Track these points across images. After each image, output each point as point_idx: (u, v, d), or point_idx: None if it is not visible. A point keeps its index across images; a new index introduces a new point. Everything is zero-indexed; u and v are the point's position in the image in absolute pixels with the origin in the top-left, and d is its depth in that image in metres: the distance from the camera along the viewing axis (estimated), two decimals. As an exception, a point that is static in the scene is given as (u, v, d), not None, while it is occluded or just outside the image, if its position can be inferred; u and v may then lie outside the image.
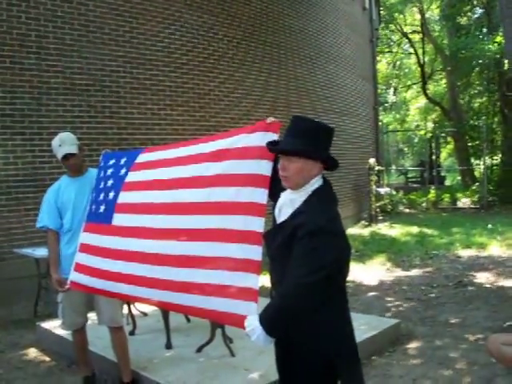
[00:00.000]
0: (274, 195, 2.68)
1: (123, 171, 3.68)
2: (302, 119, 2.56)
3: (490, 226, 13.33)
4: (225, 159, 2.89)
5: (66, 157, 4.19)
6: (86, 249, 3.77)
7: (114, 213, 3.58)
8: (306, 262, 2.28)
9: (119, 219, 3.53)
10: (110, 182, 3.75)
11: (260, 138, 2.74)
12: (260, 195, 2.71)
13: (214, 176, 2.91)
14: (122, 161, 3.78)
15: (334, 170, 2.54)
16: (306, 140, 2.41)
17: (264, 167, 2.71)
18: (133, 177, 3.59)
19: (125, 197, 3.56)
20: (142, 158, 3.67)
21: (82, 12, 8.28)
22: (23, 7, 7.66)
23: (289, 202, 2.51)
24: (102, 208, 3.71)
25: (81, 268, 3.78)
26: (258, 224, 2.66)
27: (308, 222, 2.31)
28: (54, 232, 4.28)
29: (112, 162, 3.86)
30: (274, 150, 2.56)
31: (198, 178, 3.00)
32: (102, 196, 3.76)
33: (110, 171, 3.81)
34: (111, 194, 3.67)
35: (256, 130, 2.81)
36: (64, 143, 4.19)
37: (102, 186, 3.82)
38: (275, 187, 2.63)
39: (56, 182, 4.40)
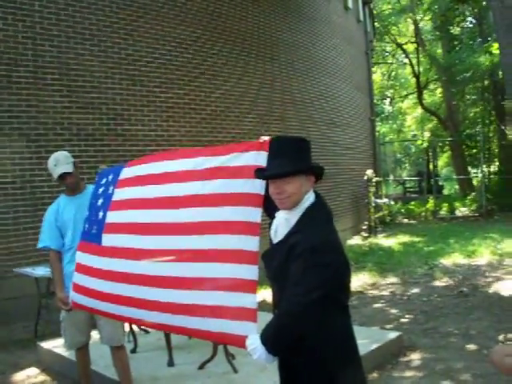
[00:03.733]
0: (269, 213, 2.68)
1: (110, 189, 3.63)
2: (282, 139, 2.58)
3: (490, 234, 13.34)
4: (217, 178, 2.86)
5: (62, 176, 4.18)
6: (81, 269, 3.74)
7: (102, 233, 3.54)
8: (302, 281, 2.27)
9: (108, 239, 3.48)
10: (100, 201, 3.70)
11: (253, 157, 2.72)
12: (254, 214, 2.69)
13: (206, 195, 2.88)
14: (110, 178, 3.72)
15: (321, 179, 2.53)
16: (294, 157, 2.41)
17: (257, 186, 2.67)
18: (119, 195, 3.52)
19: (113, 216, 3.51)
20: (126, 173, 3.59)
21: (78, 30, 8.32)
22: (19, 27, 7.70)
23: (284, 222, 2.50)
24: (94, 227, 3.67)
25: (77, 288, 3.76)
26: (252, 243, 2.64)
27: (303, 241, 2.30)
28: (55, 252, 4.27)
29: (104, 180, 3.80)
30: (271, 176, 2.45)
31: (190, 196, 2.96)
32: (93, 215, 3.72)
33: (101, 190, 3.77)
34: (100, 214, 3.62)
35: (249, 149, 2.78)
36: (59, 163, 4.18)
37: (94, 204, 3.78)
38: (270, 205, 2.62)
39: (54, 202, 4.38)
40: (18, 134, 7.68)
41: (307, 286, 2.26)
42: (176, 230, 2.99)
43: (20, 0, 7.72)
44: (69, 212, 4.23)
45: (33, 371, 5.74)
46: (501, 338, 5.88)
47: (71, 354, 5.30)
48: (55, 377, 5.50)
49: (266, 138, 2.75)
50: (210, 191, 2.87)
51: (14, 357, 6.23)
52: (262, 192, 2.67)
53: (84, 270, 3.69)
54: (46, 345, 5.95)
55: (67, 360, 5.35)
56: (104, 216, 3.57)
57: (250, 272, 2.62)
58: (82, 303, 3.73)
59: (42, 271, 6.77)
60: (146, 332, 6.05)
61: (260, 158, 2.67)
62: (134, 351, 5.42)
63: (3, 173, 7.52)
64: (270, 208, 2.64)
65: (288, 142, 2.52)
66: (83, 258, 3.73)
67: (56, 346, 5.81)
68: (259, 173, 2.55)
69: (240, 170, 2.74)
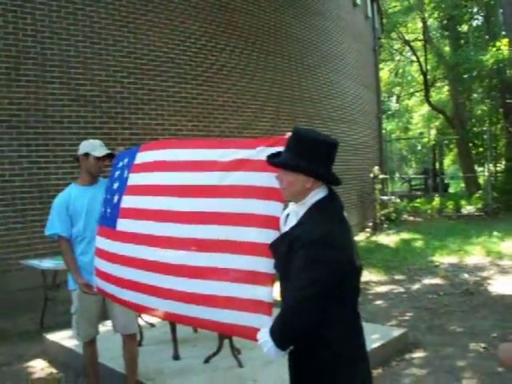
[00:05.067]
0: None
1: (125, 173, 3.62)
2: (299, 132, 2.50)
3: (495, 233, 13.32)
4: (241, 170, 2.86)
5: (103, 158, 4.20)
6: (99, 253, 3.75)
7: (117, 218, 3.52)
8: (299, 276, 2.27)
9: (123, 224, 3.46)
10: (116, 185, 3.69)
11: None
12: (275, 208, 2.69)
13: (228, 186, 2.88)
14: (125, 161, 3.72)
15: (333, 184, 2.50)
16: (299, 153, 2.39)
17: None
18: (135, 179, 3.51)
19: (129, 201, 3.49)
20: (141, 157, 3.57)
21: (86, 24, 8.33)
22: (28, 20, 7.72)
23: (294, 214, 2.51)
24: (109, 212, 3.67)
25: (98, 273, 3.77)
26: (271, 237, 2.64)
27: (303, 235, 2.30)
28: (66, 239, 4.20)
29: (120, 163, 3.79)
30: (269, 162, 2.55)
31: (211, 186, 2.95)
32: (109, 199, 3.72)
33: (117, 173, 3.75)
34: (116, 198, 3.61)
35: (275, 144, 2.77)
36: (103, 145, 4.28)
37: (110, 187, 3.78)
38: None
39: (65, 190, 4.32)
40: (25, 126, 7.70)
41: (303, 281, 2.26)
42: (194, 218, 2.97)
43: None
44: (81, 202, 4.18)
45: (39, 363, 5.77)
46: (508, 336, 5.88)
47: (77, 346, 5.33)
48: (61, 368, 5.51)
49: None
50: (233, 183, 2.87)
51: (20, 348, 6.26)
52: None
53: (102, 254, 3.69)
54: (52, 337, 5.97)
55: (73, 352, 5.38)
56: (119, 200, 3.55)
57: (268, 265, 2.63)
58: (103, 288, 3.74)
59: (48, 263, 6.80)
60: (152, 325, 6.07)
61: None
62: (139, 344, 5.40)
63: (11, 165, 7.54)
64: None
65: (302, 137, 2.46)
66: (101, 242, 3.73)
67: (62, 337, 5.84)
68: (269, 156, 2.57)
69: (265, 164, 2.72)
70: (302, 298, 2.26)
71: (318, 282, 2.24)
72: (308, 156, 2.39)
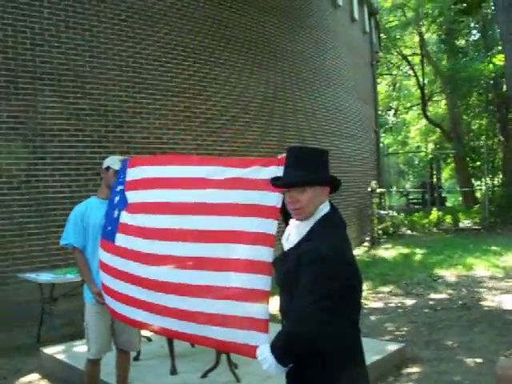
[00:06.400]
0: (287, 220, 2.69)
1: (124, 190, 3.67)
2: (299, 148, 2.60)
3: (493, 247, 13.32)
4: (235, 188, 2.89)
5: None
6: (102, 267, 3.75)
7: (116, 232, 3.56)
8: (308, 291, 2.27)
9: (121, 239, 3.50)
10: (116, 199, 3.74)
11: (273, 172, 2.75)
12: (269, 226, 2.72)
13: (223, 204, 2.91)
14: (122, 177, 3.77)
15: (337, 191, 2.54)
16: (310, 167, 2.42)
17: (274, 199, 2.72)
18: (132, 197, 3.55)
19: (126, 217, 3.52)
20: (133, 174, 3.63)
21: (85, 38, 8.36)
22: (28, 34, 7.75)
23: (296, 230, 2.51)
24: (109, 225, 3.70)
25: (102, 286, 3.77)
26: (266, 254, 2.66)
27: (311, 250, 2.31)
28: (79, 250, 4.23)
29: (121, 178, 3.84)
30: (285, 185, 2.50)
31: (206, 204, 2.98)
32: (110, 213, 3.75)
33: (119, 188, 3.79)
34: (116, 212, 3.65)
35: (269, 164, 2.82)
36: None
37: (112, 202, 3.81)
38: (287, 212, 2.63)
39: (83, 202, 4.37)
40: (22, 139, 7.69)
41: (315, 295, 2.26)
42: (189, 236, 3.00)
43: (29, 7, 7.78)
44: (96, 215, 4.18)
45: (34, 377, 5.73)
46: (509, 353, 5.86)
47: (73, 361, 5.32)
48: (57, 383, 5.49)
49: (284, 155, 2.77)
50: (227, 201, 2.90)
51: (16, 362, 6.23)
52: (279, 205, 2.71)
53: (104, 267, 3.71)
54: (49, 350, 5.94)
55: (70, 366, 5.35)
56: (119, 215, 3.59)
57: (263, 282, 2.64)
58: (107, 303, 3.73)
59: (45, 277, 6.79)
60: (149, 340, 6.05)
61: (279, 173, 2.70)
62: (136, 359, 5.39)
63: (7, 178, 7.54)
64: (287, 215, 2.65)
65: (305, 151, 2.53)
66: (103, 255, 3.75)
67: (59, 351, 5.82)
68: (275, 181, 2.56)
69: (259, 183, 2.76)
70: (313, 311, 2.26)
71: (328, 295, 2.25)
72: (315, 168, 2.44)
